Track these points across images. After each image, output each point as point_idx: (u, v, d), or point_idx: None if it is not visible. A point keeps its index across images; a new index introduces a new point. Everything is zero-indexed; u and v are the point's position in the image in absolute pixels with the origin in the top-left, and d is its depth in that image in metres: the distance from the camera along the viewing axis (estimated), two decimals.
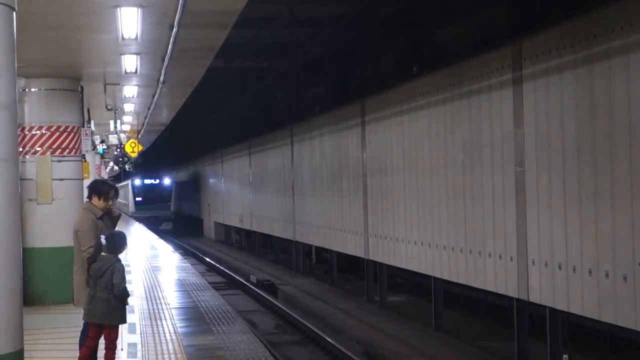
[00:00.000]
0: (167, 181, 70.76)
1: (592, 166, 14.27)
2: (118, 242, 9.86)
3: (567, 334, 16.14)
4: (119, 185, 79.91)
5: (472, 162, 18.62)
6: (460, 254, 19.10)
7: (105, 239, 9.86)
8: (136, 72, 17.09)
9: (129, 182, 71.88)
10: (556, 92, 15.38)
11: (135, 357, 12.05)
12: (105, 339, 9.81)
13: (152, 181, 70.00)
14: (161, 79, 18.40)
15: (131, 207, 69.76)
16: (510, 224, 16.95)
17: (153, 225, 62.35)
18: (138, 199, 68.87)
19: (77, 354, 10.34)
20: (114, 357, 9.93)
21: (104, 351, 9.82)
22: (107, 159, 46.27)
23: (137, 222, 60.10)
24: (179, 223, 68.97)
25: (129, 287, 9.97)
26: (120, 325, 10.13)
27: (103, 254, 9.79)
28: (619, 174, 13.55)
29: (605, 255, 13.92)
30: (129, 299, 10.20)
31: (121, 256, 9.99)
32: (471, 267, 18.58)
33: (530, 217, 16.23)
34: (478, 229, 18.31)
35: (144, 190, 69.16)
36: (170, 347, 12.75)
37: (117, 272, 9.68)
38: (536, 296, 16.05)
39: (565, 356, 15.60)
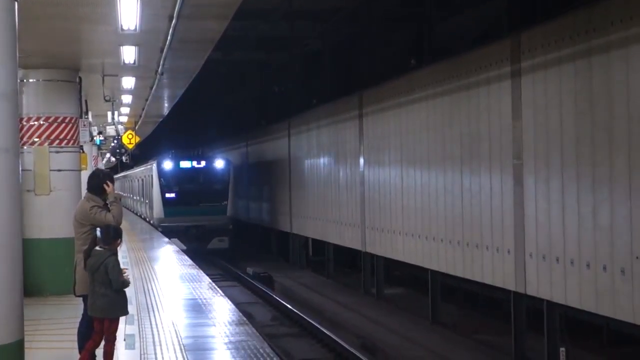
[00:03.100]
0: (219, 164, 40.94)
1: (590, 159, 14.27)
2: (113, 235, 9.83)
3: (564, 328, 16.16)
4: (129, 172, 60.26)
5: (470, 155, 18.62)
6: (457, 247, 19.11)
7: (100, 231, 9.87)
8: (135, 63, 17.07)
9: (150, 166, 43.36)
10: (555, 85, 15.39)
11: (133, 348, 12.04)
12: (105, 331, 9.80)
13: (195, 164, 40.82)
14: (159, 70, 18.38)
15: (157, 211, 40.07)
16: (508, 217, 16.95)
17: (195, 242, 38.42)
18: (169, 195, 39.80)
19: (76, 344, 10.35)
20: (113, 349, 9.94)
21: (104, 342, 9.83)
22: (104, 150, 46.21)
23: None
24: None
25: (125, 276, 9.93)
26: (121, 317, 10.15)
27: (97, 248, 9.78)
28: (618, 167, 13.56)
29: (604, 248, 13.93)
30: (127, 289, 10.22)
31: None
32: (468, 260, 18.60)
33: (528, 210, 16.24)
34: (475, 222, 18.32)
35: (181, 181, 40.37)
36: (168, 338, 12.75)
37: (112, 268, 9.63)
38: (533, 289, 16.06)
39: (562, 349, 15.62)
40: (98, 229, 9.93)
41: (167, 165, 40.18)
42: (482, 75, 18.06)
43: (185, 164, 40.48)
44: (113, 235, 9.85)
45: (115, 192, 10.40)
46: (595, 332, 17.26)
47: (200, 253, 36.38)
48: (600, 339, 17.21)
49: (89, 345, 9.85)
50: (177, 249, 28.79)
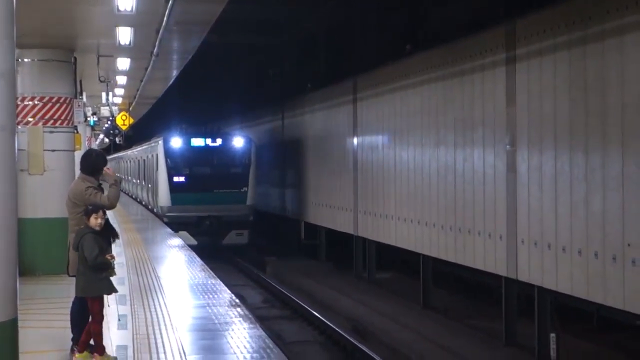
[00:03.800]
0: (239, 143, 34.55)
1: (583, 147, 14.32)
2: (88, 212, 9.76)
3: (555, 314, 16.24)
4: (127, 151, 55.54)
5: (463, 141, 18.66)
6: (450, 232, 19.17)
7: (84, 211, 9.84)
8: (130, 44, 17.06)
9: (155, 143, 37.06)
10: (549, 72, 15.42)
11: (126, 328, 12.09)
12: (90, 310, 9.82)
13: (210, 142, 34.32)
14: (155, 51, 18.36)
15: (162, 198, 33.79)
16: (501, 203, 17.01)
17: (208, 236, 32.43)
18: (177, 179, 33.55)
19: (68, 324, 10.34)
20: (99, 329, 9.87)
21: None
22: (98, 131, 46.17)
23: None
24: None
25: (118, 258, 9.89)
26: (106, 297, 10.11)
27: (82, 227, 9.78)
28: (611, 155, 13.62)
29: (595, 235, 14.00)
30: (117, 270, 10.18)
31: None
32: (460, 245, 18.66)
33: (520, 197, 16.30)
34: (468, 208, 18.37)
35: (192, 162, 33.98)
36: (161, 319, 12.80)
37: (86, 244, 9.58)
38: (525, 275, 16.14)
39: (552, 335, 15.70)
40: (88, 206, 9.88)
41: (176, 142, 33.64)
42: (477, 62, 18.09)
43: (197, 142, 33.84)
44: (88, 213, 9.77)
45: (117, 174, 10.40)
46: (585, 319, 17.33)
47: (213, 250, 31.16)
48: (590, 325, 17.28)
49: (95, 329, 9.83)
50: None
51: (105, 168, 10.21)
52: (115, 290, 10.11)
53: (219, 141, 34.10)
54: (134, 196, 49.77)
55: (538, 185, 15.68)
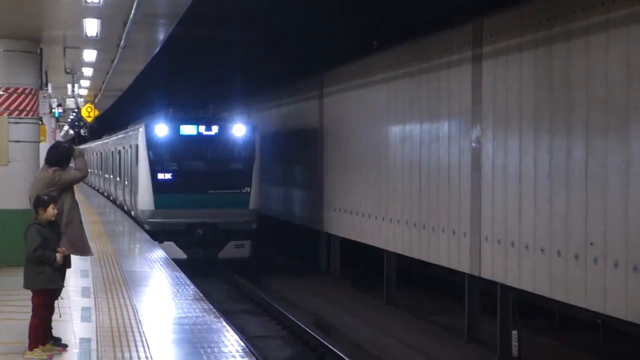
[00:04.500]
0: (239, 131, 27.88)
1: (548, 146, 14.42)
2: (37, 203, 9.56)
3: (517, 311, 16.36)
4: (99, 141, 50.04)
5: (429, 137, 18.73)
6: (414, 229, 19.24)
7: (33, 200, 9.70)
8: (97, 36, 16.97)
9: (135, 131, 30.12)
10: (515, 71, 15.52)
11: (90, 321, 12.03)
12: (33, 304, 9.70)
13: (204, 130, 27.77)
14: (122, 44, 18.30)
15: (143, 200, 27.50)
16: (465, 200, 17.10)
17: (201, 249, 26.83)
18: (162, 176, 27.37)
19: (29, 317, 10.28)
20: (38, 323, 9.66)
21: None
22: (62, 123, 45.92)
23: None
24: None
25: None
26: (64, 290, 10.03)
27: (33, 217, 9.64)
28: (575, 154, 13.73)
29: (558, 234, 14.12)
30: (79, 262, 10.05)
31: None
32: (425, 242, 18.73)
33: (485, 194, 16.39)
34: (433, 204, 18.45)
35: (182, 155, 27.92)
36: (124, 312, 12.77)
37: (29, 236, 9.43)
38: (488, 272, 16.24)
39: (514, 332, 15.82)
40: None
41: (161, 130, 27.10)
42: (443, 59, 18.16)
43: (188, 130, 27.30)
44: (37, 204, 9.57)
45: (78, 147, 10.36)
46: (547, 316, 17.46)
47: (207, 265, 26.04)
48: (552, 323, 17.41)
49: (32, 322, 9.69)
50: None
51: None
52: (59, 285, 9.80)
53: (214, 129, 27.36)
54: (106, 194, 43.51)
55: (502, 183, 15.79)
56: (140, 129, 27.70)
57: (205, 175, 27.11)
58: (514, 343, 15.72)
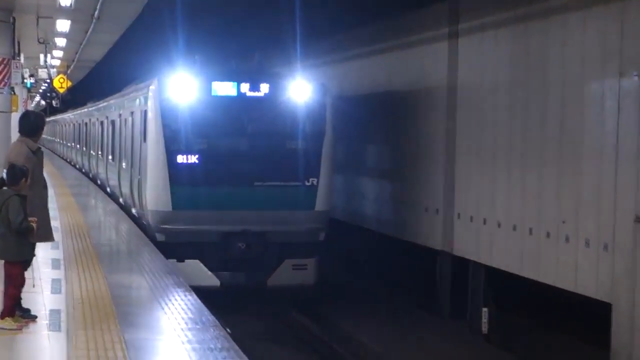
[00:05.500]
0: (302, 93, 18.44)
1: (522, 124, 14.51)
2: (19, 175, 9.57)
3: (487, 289, 16.44)
4: (84, 108, 38.87)
5: (405, 112, 18.71)
6: (385, 205, 19.29)
7: (6, 171, 9.65)
8: (71, 6, 16.99)
9: (141, 93, 20.11)
10: (491, 48, 15.58)
11: (60, 292, 11.98)
12: (5, 274, 9.71)
13: (247, 89, 18.16)
14: (96, 14, 18.30)
15: (154, 196, 18.27)
16: (439, 177, 17.16)
17: (243, 273, 18.12)
18: (184, 159, 18.04)
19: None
20: (17, 293, 9.74)
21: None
22: (34, 93, 45.74)
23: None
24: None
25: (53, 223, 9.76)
26: (35, 260, 10.07)
27: (5, 188, 9.58)
28: (549, 133, 13.83)
29: (531, 212, 14.26)
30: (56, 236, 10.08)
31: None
32: (401, 219, 18.78)
33: (458, 171, 16.45)
34: (406, 181, 18.49)
35: (214, 128, 18.34)
36: (95, 284, 12.75)
37: (12, 207, 9.39)
38: (460, 249, 16.33)
39: (484, 309, 15.96)
40: (4, 170, 9.73)
41: (184, 88, 18.12)
42: (421, 35, 18.18)
43: (224, 89, 18.33)
44: (19, 176, 9.58)
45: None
46: (517, 295, 17.53)
47: (250, 296, 18.72)
48: (522, 302, 17.48)
49: (10, 292, 9.74)
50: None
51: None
52: (34, 255, 9.97)
53: (264, 88, 18.40)
54: (96, 179, 32.35)
55: (477, 160, 15.90)
56: (152, 88, 18.59)
57: (249, 159, 18.46)
58: (484, 320, 15.87)
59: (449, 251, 17.03)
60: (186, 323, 10.58)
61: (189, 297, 12.19)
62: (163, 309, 11.37)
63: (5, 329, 9.57)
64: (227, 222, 17.87)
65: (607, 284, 12.63)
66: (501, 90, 15.30)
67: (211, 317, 10.89)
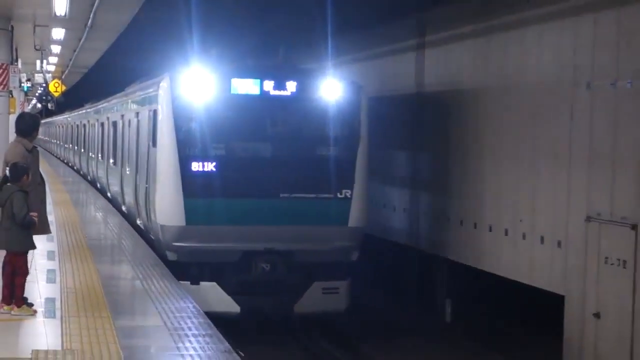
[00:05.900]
0: (333, 92, 16.07)
1: (483, 127, 15.35)
2: (20, 172, 10.06)
3: (450, 282, 17.06)
4: (82, 110, 37.01)
5: (377, 117, 19.33)
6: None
7: (9, 169, 10.12)
8: (65, 15, 17.47)
9: (152, 90, 17.22)
10: (456, 58, 16.41)
11: (55, 282, 12.36)
12: (8, 266, 10.19)
13: (271, 87, 15.81)
14: (89, 23, 18.78)
15: (164, 209, 15.79)
16: (407, 179, 18.02)
17: (267, 297, 15.74)
18: (198, 167, 15.60)
19: None
20: (23, 282, 10.24)
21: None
22: (31, 97, 46.13)
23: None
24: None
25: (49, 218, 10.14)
26: (30, 252, 10.47)
27: (8, 184, 10.07)
28: (505, 138, 14.66)
29: (490, 210, 15.06)
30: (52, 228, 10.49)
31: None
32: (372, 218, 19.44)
33: (422, 171, 17.34)
34: (378, 181, 19.09)
35: (234, 131, 15.95)
36: (88, 275, 13.03)
37: (17, 201, 9.88)
38: (425, 245, 17.18)
39: (448, 300, 16.83)
40: (7, 168, 10.16)
41: (199, 87, 15.85)
42: (390, 47, 19.01)
43: (245, 86, 16.06)
44: (21, 173, 10.08)
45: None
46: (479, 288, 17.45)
47: (274, 323, 16.42)
48: (485, 294, 17.21)
49: (4, 281, 10.29)
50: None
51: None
52: (35, 247, 10.45)
53: (291, 86, 16.14)
54: (99, 185, 28.88)
55: (440, 161, 16.67)
56: (162, 85, 16.28)
57: (273, 167, 16.11)
58: (448, 310, 16.63)
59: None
60: (170, 309, 10.94)
61: (176, 287, 12.46)
62: (150, 297, 11.66)
63: (24, 315, 10.09)
64: (248, 240, 15.64)
65: (560, 278, 13.17)
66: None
67: (197, 308, 11.09)
